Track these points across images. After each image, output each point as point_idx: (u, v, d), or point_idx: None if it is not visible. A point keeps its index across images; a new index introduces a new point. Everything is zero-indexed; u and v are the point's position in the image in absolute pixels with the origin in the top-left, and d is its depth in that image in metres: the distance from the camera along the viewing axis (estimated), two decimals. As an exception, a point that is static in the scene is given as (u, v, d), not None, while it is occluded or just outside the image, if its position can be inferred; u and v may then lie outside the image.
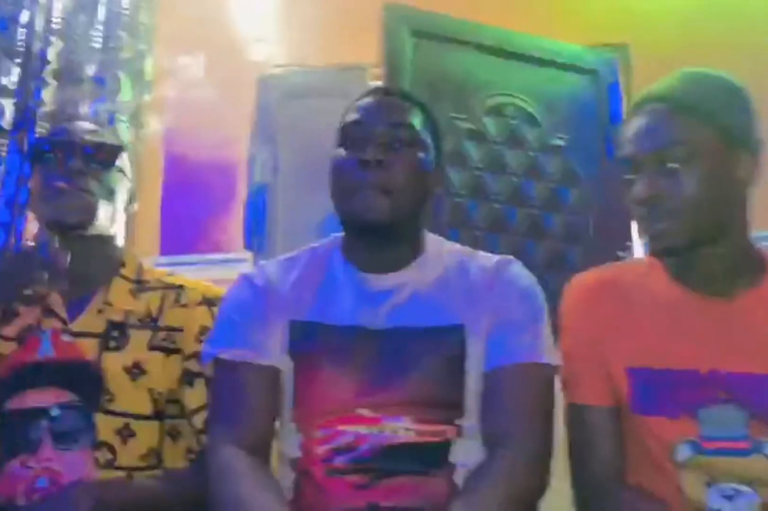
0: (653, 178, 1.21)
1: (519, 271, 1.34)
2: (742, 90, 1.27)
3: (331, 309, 1.30)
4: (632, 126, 1.25)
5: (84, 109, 2.57)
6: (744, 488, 1.23)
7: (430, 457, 1.23)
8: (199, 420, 1.44)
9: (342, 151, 1.29)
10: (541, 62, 2.71)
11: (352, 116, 1.31)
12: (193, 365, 1.45)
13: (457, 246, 1.40)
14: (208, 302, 1.50)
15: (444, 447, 1.24)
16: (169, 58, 2.80)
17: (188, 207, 2.99)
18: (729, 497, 1.23)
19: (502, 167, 2.61)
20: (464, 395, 1.25)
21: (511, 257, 1.37)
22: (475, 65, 2.64)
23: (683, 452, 1.25)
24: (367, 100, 1.33)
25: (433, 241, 1.38)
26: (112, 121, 2.59)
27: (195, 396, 1.45)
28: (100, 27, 2.71)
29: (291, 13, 2.92)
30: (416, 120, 1.31)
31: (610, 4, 2.81)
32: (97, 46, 2.68)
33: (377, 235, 1.29)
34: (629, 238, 2.53)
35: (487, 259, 1.35)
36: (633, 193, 1.23)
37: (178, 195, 3.01)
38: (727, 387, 1.24)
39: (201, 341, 1.42)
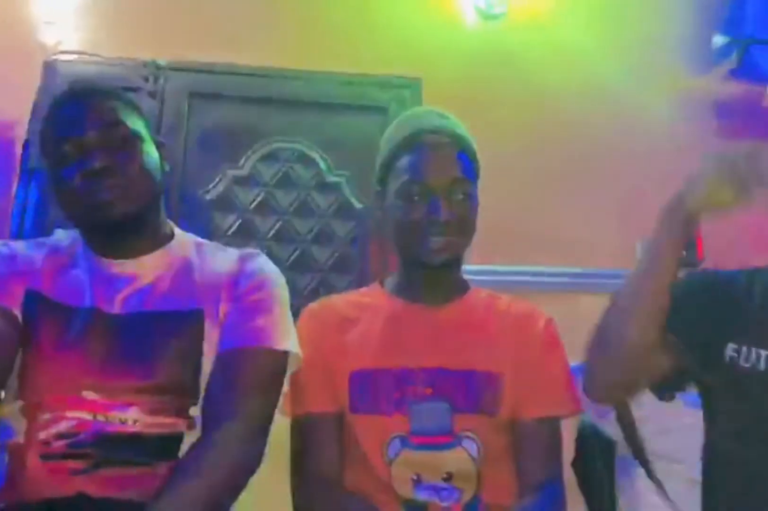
0: (452, 202, 1.37)
1: (262, 262, 1.37)
2: None
3: (70, 291, 1.29)
4: (422, 156, 1.39)
5: None
6: (446, 484, 1.32)
7: (157, 449, 1.21)
8: None
9: (56, 163, 1.28)
10: (325, 106, 2.87)
11: (60, 125, 1.28)
12: None
13: (207, 241, 1.43)
14: None
15: (173, 439, 1.22)
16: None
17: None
18: (434, 491, 1.31)
19: (271, 208, 2.80)
20: (200, 380, 1.25)
21: (256, 250, 1.40)
22: (253, 115, 2.85)
23: (393, 448, 1.33)
24: (70, 103, 1.31)
25: (180, 234, 1.40)
26: None
27: None
28: None
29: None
30: (125, 115, 1.31)
31: (402, 38, 2.85)
32: None
33: (118, 230, 1.30)
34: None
35: (233, 252, 1.39)
36: (431, 213, 1.36)
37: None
38: (433, 383, 1.35)
39: None
